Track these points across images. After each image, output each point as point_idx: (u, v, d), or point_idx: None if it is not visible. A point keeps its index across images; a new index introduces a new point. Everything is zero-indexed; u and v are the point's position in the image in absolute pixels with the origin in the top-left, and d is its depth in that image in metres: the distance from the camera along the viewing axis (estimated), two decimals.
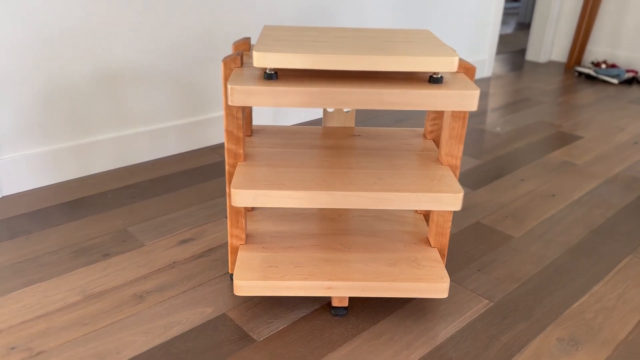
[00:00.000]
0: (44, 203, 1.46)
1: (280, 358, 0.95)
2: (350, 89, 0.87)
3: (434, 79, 0.91)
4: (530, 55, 3.41)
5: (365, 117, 2.24)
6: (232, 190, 0.93)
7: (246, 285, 1.00)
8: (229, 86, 0.86)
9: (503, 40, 4.14)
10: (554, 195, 1.59)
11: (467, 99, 0.88)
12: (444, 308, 1.10)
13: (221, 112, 1.89)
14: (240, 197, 0.93)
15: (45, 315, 1.04)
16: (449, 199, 0.95)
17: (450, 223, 1.09)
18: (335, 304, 1.06)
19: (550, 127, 2.19)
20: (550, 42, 3.35)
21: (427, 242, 1.14)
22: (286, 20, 1.95)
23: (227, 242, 1.29)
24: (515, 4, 5.85)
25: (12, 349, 0.96)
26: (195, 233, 1.33)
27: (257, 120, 1.99)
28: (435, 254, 1.10)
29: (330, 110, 1.24)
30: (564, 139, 2.06)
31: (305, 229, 1.18)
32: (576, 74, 3.09)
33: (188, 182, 1.60)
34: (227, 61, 0.96)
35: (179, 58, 1.71)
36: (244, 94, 0.86)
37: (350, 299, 1.12)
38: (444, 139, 1.04)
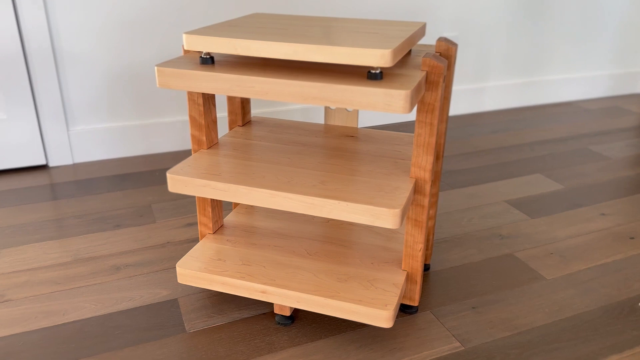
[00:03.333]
0: (100, 173, 1.60)
1: (193, 354, 0.92)
2: (269, 79, 0.80)
3: (371, 75, 0.79)
4: None
5: (464, 123, 2.05)
6: (168, 175, 0.92)
7: (186, 274, 0.99)
8: (155, 68, 0.85)
9: None
10: (632, 238, 1.28)
11: (392, 100, 0.75)
12: (399, 341, 0.95)
13: (287, 106, 1.88)
14: (172, 182, 0.92)
15: (32, 270, 1.15)
16: (381, 214, 0.82)
17: (421, 245, 0.95)
18: (276, 310, 0.99)
19: None
20: None
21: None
22: (368, 14, 1.86)
23: None
24: None
25: None
26: None
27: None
28: (399, 277, 0.96)
29: (332, 108, 1.16)
30: None
31: (285, 228, 1.12)
32: None
33: None
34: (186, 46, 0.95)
35: None
36: (166, 76, 0.84)
37: (303, 310, 1.03)
38: (413, 148, 0.90)
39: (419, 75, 0.81)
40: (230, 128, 1.15)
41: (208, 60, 0.87)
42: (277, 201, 0.87)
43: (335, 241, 1.08)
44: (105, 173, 1.60)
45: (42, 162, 1.63)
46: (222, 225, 1.12)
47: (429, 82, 0.84)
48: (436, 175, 1.06)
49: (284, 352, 0.93)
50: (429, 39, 1.99)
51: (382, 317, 0.88)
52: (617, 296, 1.08)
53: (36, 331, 0.97)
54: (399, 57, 0.79)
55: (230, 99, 1.13)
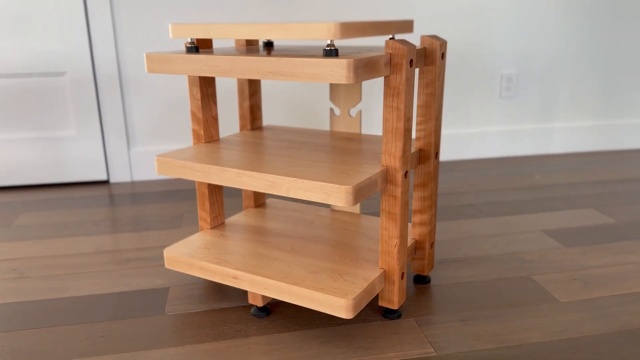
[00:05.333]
0: (153, 189, 1.73)
1: (162, 333, 0.94)
2: (230, 57, 0.84)
3: (326, 52, 0.81)
4: None
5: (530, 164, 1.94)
6: (156, 158, 0.98)
7: (172, 258, 1.02)
8: (144, 55, 0.93)
9: None
10: None
11: (335, 69, 0.75)
12: (369, 341, 0.90)
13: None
14: (159, 165, 0.98)
15: (56, 256, 1.25)
16: (333, 191, 0.80)
17: (397, 240, 0.91)
18: (250, 301, 0.98)
19: None
20: None
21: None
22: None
23: None
24: None
25: (13, 270, 1.18)
26: None
27: None
28: (372, 273, 0.92)
29: (337, 113, 1.18)
30: None
31: (283, 229, 1.12)
32: None
33: None
34: (186, 43, 1.03)
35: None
36: (153, 62, 0.92)
37: (284, 303, 1.02)
38: (382, 135, 0.88)
39: (374, 54, 0.81)
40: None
41: (193, 49, 0.94)
42: (242, 180, 0.89)
43: (325, 241, 1.06)
44: (156, 189, 1.72)
45: (104, 177, 1.79)
46: (222, 223, 1.16)
47: (393, 65, 0.83)
48: (429, 177, 1.02)
49: (247, 339, 0.91)
50: (484, 75, 1.95)
51: (340, 305, 0.84)
52: (637, 324, 0.93)
53: (35, 302, 1.05)
54: (353, 34, 0.80)
55: (241, 103, 1.19)
